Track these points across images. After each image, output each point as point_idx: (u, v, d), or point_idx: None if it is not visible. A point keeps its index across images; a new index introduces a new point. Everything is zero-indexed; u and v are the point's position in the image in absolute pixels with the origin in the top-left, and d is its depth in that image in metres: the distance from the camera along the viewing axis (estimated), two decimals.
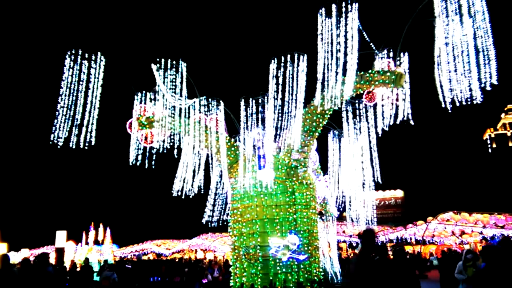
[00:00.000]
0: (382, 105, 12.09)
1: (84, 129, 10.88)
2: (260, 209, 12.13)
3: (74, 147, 10.70)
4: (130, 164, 12.10)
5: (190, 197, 12.72)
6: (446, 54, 9.46)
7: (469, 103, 9.27)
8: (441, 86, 9.56)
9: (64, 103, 10.84)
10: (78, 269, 17.74)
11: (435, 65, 9.64)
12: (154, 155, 12.35)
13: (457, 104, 9.39)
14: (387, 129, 11.97)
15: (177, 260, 29.86)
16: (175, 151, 12.34)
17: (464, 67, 9.20)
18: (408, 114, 11.41)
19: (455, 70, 9.30)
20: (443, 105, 9.48)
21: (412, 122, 11.28)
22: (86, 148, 10.82)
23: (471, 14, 9.15)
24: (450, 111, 9.51)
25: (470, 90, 9.20)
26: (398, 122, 11.60)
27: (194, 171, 12.87)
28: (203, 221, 13.49)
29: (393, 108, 11.76)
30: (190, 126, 12.14)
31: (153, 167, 12.22)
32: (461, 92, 9.29)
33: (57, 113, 10.80)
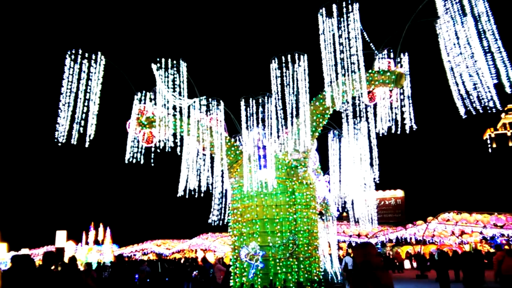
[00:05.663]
0: (383, 107, 11.95)
1: (84, 128, 10.85)
2: (260, 209, 12.13)
3: (75, 143, 10.66)
4: (126, 161, 12.04)
5: (198, 196, 12.73)
6: (452, 56, 9.32)
7: (487, 110, 8.96)
8: (458, 93, 9.25)
9: (65, 103, 10.82)
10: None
11: (448, 70, 9.43)
12: (153, 154, 12.28)
13: (473, 112, 9.12)
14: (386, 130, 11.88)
15: (177, 260, 29.84)
16: (178, 149, 12.28)
17: (475, 71, 8.92)
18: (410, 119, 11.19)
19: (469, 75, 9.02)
20: (461, 113, 9.26)
21: (414, 126, 11.12)
22: (87, 146, 10.79)
23: (474, 15, 9.04)
24: (465, 116, 9.30)
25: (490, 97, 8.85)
26: (398, 128, 11.42)
27: (198, 171, 12.84)
28: (209, 221, 13.42)
29: (393, 112, 11.64)
30: (190, 126, 12.13)
31: (152, 164, 12.15)
32: (478, 98, 8.96)
33: (58, 113, 10.78)
